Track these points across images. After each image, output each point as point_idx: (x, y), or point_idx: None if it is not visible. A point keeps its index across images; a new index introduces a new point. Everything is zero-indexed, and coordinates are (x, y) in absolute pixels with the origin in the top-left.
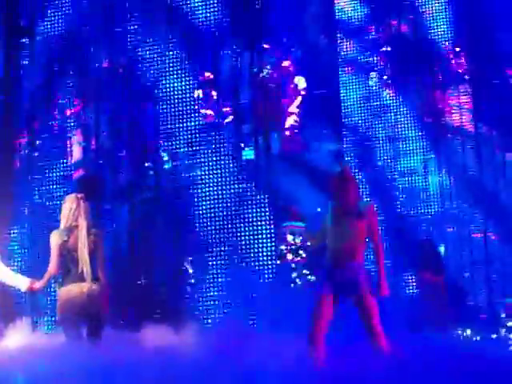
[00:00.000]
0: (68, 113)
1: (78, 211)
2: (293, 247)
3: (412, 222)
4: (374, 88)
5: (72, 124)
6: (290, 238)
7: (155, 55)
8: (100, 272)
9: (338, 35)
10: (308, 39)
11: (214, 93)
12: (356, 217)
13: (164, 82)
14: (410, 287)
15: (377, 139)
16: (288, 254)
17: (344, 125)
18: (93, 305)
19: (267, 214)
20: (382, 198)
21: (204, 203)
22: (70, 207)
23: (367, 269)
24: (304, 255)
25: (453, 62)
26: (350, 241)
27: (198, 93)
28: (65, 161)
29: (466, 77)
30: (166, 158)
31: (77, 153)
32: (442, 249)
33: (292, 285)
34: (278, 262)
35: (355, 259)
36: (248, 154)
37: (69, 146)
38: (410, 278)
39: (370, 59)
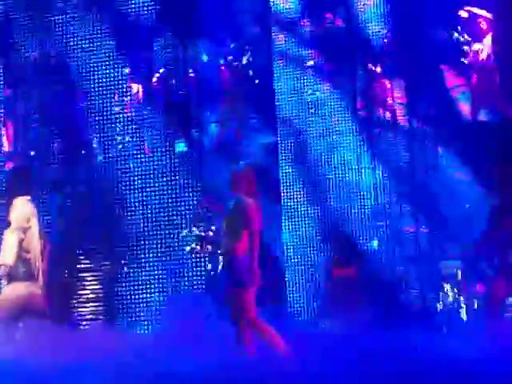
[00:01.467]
0: None
1: (29, 213)
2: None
3: (344, 217)
4: (308, 81)
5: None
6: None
7: (87, 46)
8: (43, 272)
9: (273, 28)
10: (243, 31)
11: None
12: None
13: (96, 73)
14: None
15: (310, 133)
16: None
17: (277, 118)
18: (37, 304)
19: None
20: (314, 192)
21: (136, 196)
22: (21, 209)
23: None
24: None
25: (387, 56)
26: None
27: (131, 85)
28: None
29: (400, 71)
30: (98, 151)
31: (7, 144)
32: (373, 243)
33: None
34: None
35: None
36: (180, 146)
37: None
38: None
39: (305, 52)
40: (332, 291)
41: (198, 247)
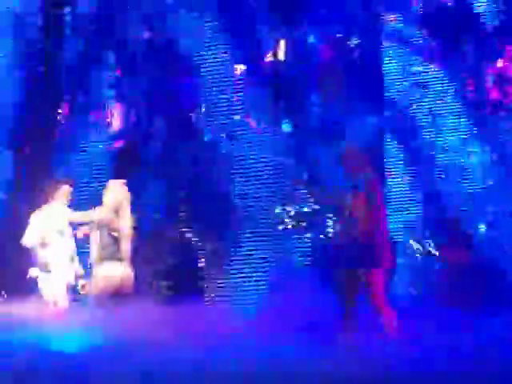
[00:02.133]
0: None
1: (122, 196)
2: None
3: (452, 199)
4: (417, 62)
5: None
6: None
7: (195, 28)
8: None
9: (381, 8)
10: (351, 12)
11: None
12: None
13: (205, 54)
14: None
15: (418, 114)
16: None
17: (385, 98)
18: (126, 287)
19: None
20: (422, 174)
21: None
22: (115, 192)
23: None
24: None
25: (498, 36)
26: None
27: (239, 67)
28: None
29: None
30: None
31: (116, 124)
32: (481, 227)
33: None
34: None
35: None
36: (286, 127)
37: (108, 117)
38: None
39: (415, 32)
40: (443, 277)
41: (292, 224)
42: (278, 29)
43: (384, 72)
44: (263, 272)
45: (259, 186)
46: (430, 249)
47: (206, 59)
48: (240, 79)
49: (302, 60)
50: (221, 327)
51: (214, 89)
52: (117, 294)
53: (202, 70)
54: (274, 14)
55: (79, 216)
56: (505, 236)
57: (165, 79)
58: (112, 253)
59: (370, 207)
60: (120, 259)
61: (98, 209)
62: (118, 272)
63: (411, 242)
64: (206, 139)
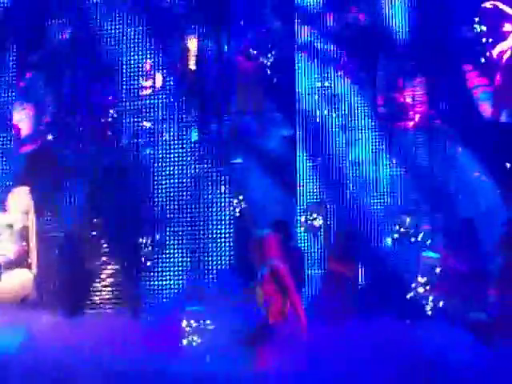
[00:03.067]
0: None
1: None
2: None
3: (361, 213)
4: (330, 75)
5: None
6: None
7: (116, 30)
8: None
9: (296, 21)
10: (266, 24)
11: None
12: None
13: (126, 58)
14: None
15: (330, 127)
16: None
17: (298, 111)
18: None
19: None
20: (332, 186)
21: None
22: (23, 202)
23: None
24: None
25: (409, 53)
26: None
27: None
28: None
29: (422, 69)
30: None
31: (27, 127)
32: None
33: None
34: None
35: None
36: (193, 136)
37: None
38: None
39: (327, 46)
40: (323, 283)
41: None
42: (192, 37)
43: (296, 85)
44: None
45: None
46: None
47: (124, 63)
48: (154, 86)
49: (216, 70)
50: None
51: (129, 94)
52: (18, 301)
53: (120, 73)
54: (192, 23)
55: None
56: (410, 250)
57: (80, 82)
58: (22, 260)
59: (279, 295)
60: (29, 266)
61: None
62: (20, 278)
63: None
64: (120, 144)
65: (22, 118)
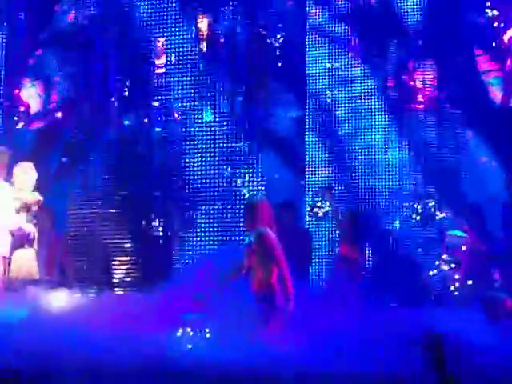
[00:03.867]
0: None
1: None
2: None
3: (370, 195)
4: (341, 57)
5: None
6: None
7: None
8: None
9: (307, 2)
10: (276, 4)
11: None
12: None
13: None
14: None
15: (340, 109)
16: None
17: (308, 93)
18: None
19: None
20: (340, 167)
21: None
22: (25, 175)
23: None
24: None
25: (420, 37)
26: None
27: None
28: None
29: (433, 53)
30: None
31: (36, 104)
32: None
33: None
34: None
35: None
36: (207, 115)
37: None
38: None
39: (338, 29)
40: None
41: None
42: (204, 17)
43: (307, 66)
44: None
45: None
46: None
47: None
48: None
49: (226, 51)
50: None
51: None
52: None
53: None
54: (204, 3)
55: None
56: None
57: (89, 61)
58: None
59: (264, 263)
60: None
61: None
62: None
63: None
64: (126, 123)
65: (32, 95)
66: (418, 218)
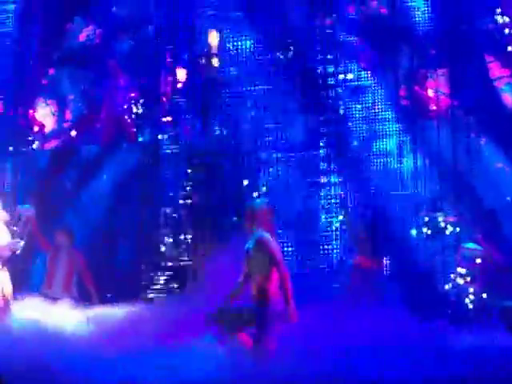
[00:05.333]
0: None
1: None
2: None
3: (385, 205)
4: (352, 67)
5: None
6: None
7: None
8: None
9: (318, 13)
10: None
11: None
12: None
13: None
14: None
15: (353, 119)
16: None
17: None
18: None
19: None
20: (355, 177)
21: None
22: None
23: None
24: None
25: (431, 45)
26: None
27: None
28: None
29: (444, 61)
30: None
31: (50, 123)
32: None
33: None
34: None
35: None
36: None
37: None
38: None
39: (350, 39)
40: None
41: None
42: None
43: (319, 77)
44: None
45: None
46: None
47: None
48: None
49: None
50: None
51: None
52: None
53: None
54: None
55: None
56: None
57: (100, 79)
58: None
59: (263, 267)
60: None
61: None
62: None
63: None
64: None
65: (46, 115)
66: (432, 229)
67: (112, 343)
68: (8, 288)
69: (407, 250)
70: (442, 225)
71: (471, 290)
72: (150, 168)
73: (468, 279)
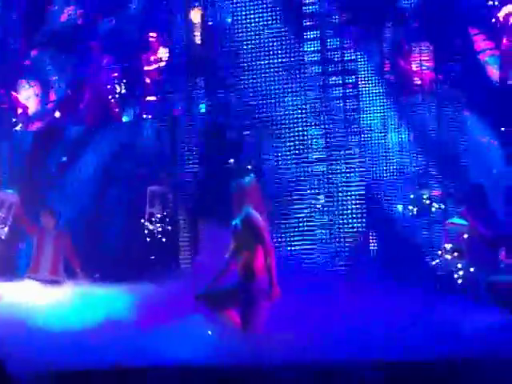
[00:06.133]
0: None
1: None
2: None
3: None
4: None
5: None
6: None
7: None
8: None
9: None
10: None
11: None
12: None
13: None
14: None
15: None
16: None
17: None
18: None
19: None
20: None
21: None
22: None
23: None
24: None
25: (415, 18)
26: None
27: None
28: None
29: (428, 34)
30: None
31: (34, 105)
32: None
33: None
34: None
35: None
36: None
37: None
38: None
39: (332, 12)
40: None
41: None
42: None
43: (304, 53)
44: None
45: None
46: None
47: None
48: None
49: (219, 42)
50: None
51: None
52: None
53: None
54: None
55: None
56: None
57: (83, 60)
58: None
59: (249, 244)
60: None
61: None
62: None
63: None
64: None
65: (29, 96)
66: (418, 206)
67: (100, 326)
68: None
69: (394, 225)
70: (428, 202)
71: (459, 265)
72: (134, 148)
73: (455, 254)
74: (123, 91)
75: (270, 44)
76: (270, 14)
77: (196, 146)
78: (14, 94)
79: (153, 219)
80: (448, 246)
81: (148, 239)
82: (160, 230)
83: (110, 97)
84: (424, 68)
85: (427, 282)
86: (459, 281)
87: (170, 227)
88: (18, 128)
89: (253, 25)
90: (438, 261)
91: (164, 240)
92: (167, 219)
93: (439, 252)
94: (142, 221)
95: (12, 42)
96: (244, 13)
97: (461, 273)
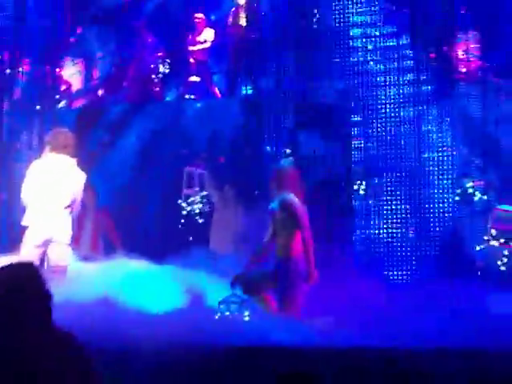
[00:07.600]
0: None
1: None
2: None
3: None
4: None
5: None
6: None
7: None
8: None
9: None
10: None
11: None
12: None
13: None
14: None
15: (379, 82)
16: None
17: (349, 65)
18: None
19: None
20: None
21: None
22: None
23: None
24: None
25: (462, 6)
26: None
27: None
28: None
29: (476, 22)
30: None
31: (77, 82)
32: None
33: None
34: None
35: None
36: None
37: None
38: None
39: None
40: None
41: None
42: None
43: (348, 40)
44: None
45: None
46: None
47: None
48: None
49: (264, 24)
50: None
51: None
52: None
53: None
54: None
55: None
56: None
57: (128, 38)
58: None
59: (286, 229)
60: None
61: None
62: None
63: None
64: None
65: (73, 73)
66: (464, 192)
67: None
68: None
69: (438, 212)
70: (471, 190)
71: (506, 252)
72: (176, 127)
73: (502, 241)
74: (167, 71)
75: None
76: None
77: (235, 128)
78: (58, 70)
79: (189, 200)
80: (494, 232)
81: (183, 220)
82: (197, 211)
83: (153, 76)
84: (470, 56)
85: (470, 270)
86: (502, 268)
87: (206, 208)
88: (61, 105)
89: None
90: (482, 246)
91: (200, 221)
92: (204, 200)
93: (485, 238)
94: (180, 201)
95: (58, 19)
96: None
97: (505, 260)
